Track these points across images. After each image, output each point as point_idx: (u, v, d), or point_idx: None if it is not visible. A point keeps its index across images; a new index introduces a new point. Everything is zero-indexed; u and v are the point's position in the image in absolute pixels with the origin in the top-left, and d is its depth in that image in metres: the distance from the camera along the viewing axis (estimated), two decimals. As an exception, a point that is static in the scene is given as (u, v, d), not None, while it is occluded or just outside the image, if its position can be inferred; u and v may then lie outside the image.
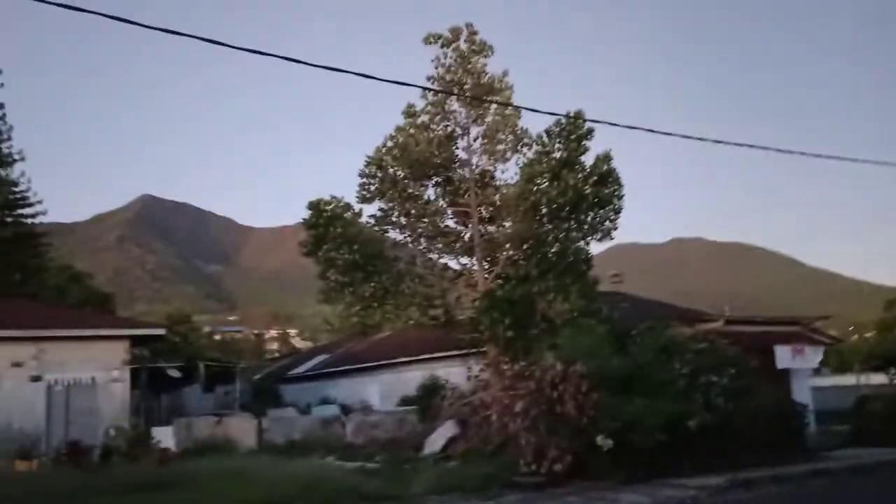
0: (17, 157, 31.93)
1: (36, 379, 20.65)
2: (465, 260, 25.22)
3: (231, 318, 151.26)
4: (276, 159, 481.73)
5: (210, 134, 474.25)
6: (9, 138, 31.78)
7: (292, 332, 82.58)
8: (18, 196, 31.90)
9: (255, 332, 77.51)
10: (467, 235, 24.64)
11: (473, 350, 22.30)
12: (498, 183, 24.39)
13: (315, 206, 21.28)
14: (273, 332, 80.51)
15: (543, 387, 15.14)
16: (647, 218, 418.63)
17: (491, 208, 24.39)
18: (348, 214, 21.79)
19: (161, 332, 24.68)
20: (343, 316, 36.67)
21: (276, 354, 66.02)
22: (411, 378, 26.45)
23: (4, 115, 31.68)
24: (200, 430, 21.71)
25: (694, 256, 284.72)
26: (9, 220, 31.12)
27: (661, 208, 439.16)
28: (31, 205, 32.50)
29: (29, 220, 32.56)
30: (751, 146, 15.25)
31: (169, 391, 31.75)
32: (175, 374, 31.44)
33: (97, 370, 21.38)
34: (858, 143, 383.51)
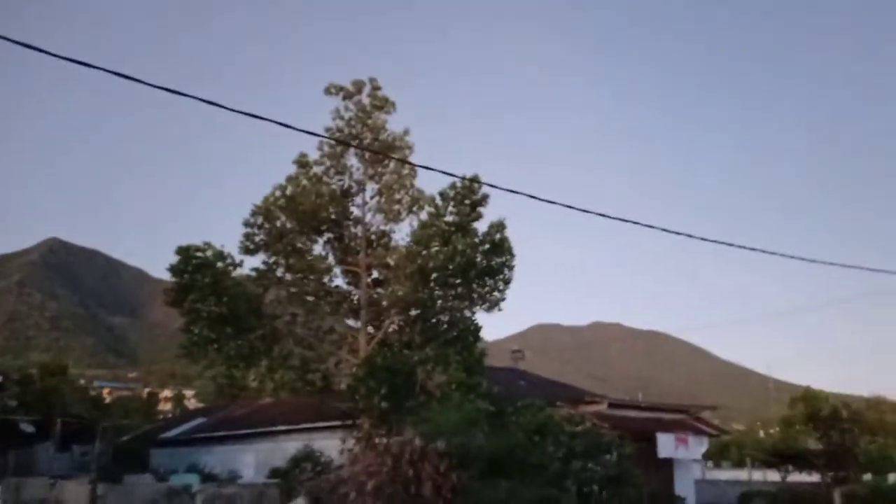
0: None
1: None
2: (351, 322, 23.81)
3: (131, 375, 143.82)
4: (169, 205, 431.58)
5: (112, 177, 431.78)
6: None
7: (188, 392, 78.17)
8: None
9: (148, 390, 73.10)
10: (356, 297, 23.31)
11: (350, 421, 20.70)
12: (392, 244, 23.28)
13: (184, 252, 19.51)
14: (167, 393, 76.09)
15: (401, 464, 13.72)
16: (571, 300, 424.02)
17: (385, 270, 23.16)
18: (221, 264, 20.09)
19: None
20: (207, 376, 34.31)
21: (170, 416, 62.19)
22: (289, 448, 24.42)
23: None
24: (32, 492, 19.23)
25: (612, 341, 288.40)
26: None
27: (585, 291, 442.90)
28: None
29: None
30: (676, 233, 14.58)
31: (17, 447, 28.72)
32: (28, 428, 28.61)
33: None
34: (784, 237, 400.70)
